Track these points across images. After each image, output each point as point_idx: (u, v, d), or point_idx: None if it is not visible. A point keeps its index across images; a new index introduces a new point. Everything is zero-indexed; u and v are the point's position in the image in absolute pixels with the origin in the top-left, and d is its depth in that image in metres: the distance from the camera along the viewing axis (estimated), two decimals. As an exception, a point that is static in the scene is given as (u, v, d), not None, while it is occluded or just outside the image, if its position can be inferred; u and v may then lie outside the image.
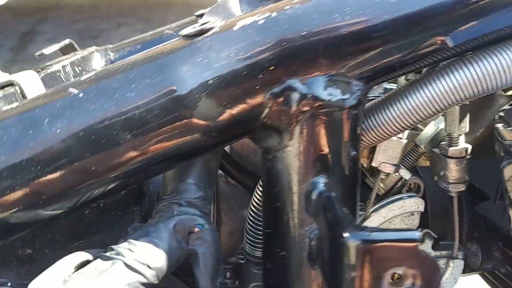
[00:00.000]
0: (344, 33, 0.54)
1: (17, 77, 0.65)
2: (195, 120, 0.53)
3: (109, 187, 0.55)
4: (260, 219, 0.76)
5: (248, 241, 0.80)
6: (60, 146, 0.50)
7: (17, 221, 0.52)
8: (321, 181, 0.59)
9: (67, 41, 0.93)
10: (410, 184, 0.83)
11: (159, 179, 0.69)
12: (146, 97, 0.51)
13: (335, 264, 0.53)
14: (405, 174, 0.79)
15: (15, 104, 0.55)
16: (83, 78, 0.54)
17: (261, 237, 0.78)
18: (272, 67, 0.54)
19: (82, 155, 0.50)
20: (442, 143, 0.76)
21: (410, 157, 0.80)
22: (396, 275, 0.51)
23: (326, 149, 0.59)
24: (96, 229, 0.64)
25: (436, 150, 0.77)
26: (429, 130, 0.79)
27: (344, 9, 0.54)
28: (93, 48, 0.93)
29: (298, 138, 0.58)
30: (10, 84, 0.63)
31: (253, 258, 0.81)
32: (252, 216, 0.77)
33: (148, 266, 0.56)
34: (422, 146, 0.79)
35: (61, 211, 0.55)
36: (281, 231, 0.63)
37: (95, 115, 0.51)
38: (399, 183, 0.80)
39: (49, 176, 0.50)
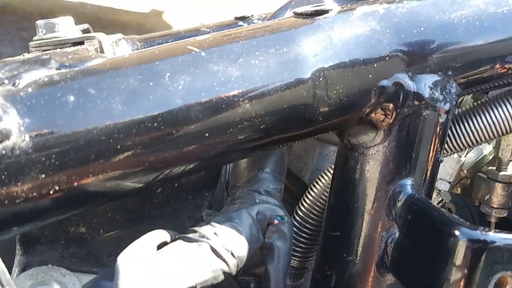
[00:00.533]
0: (460, 35, 0.55)
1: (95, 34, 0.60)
2: (308, 99, 0.51)
3: (204, 161, 0.51)
4: (306, 225, 0.74)
5: (286, 249, 0.76)
6: (181, 103, 0.45)
7: (98, 190, 0.46)
8: (409, 183, 0.58)
9: (85, 25, 0.88)
10: (445, 208, 0.84)
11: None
12: (270, 66, 0.49)
13: (433, 267, 0.51)
14: (446, 196, 0.80)
15: (127, 54, 0.50)
16: (199, 38, 0.50)
17: (302, 246, 0.75)
18: (388, 57, 0.54)
19: (199, 118, 0.46)
20: (490, 167, 0.78)
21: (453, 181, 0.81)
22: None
23: (417, 151, 0.58)
24: (160, 212, 0.58)
25: (482, 174, 0.78)
26: (472, 155, 0.80)
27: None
28: (120, 35, 0.88)
29: (393, 136, 0.57)
30: (91, 38, 0.58)
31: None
32: (297, 222, 0.74)
33: (232, 254, 0.52)
34: (465, 171, 0.80)
35: (140, 185, 0.49)
36: (352, 235, 0.61)
37: (219, 77, 0.47)
38: (439, 205, 0.81)
39: (161, 134, 0.45)
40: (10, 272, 0.54)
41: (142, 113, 0.45)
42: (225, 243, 0.52)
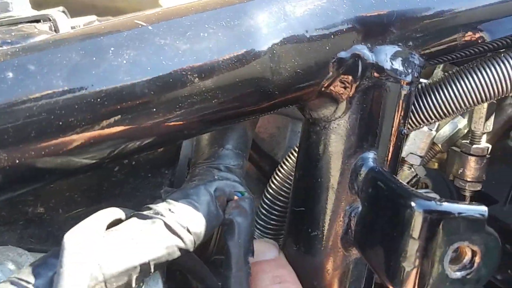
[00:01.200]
0: (420, 4, 0.54)
1: (49, 12, 0.59)
2: (263, 72, 0.50)
3: (156, 138, 0.50)
4: (277, 203, 0.73)
5: (258, 226, 0.76)
6: (125, 78, 0.44)
7: (50, 166, 0.46)
8: (371, 156, 0.58)
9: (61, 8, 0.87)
10: (420, 184, 0.83)
11: (188, 144, 0.65)
12: (220, 40, 0.48)
13: (392, 238, 0.50)
14: (421, 171, 0.79)
15: (73, 30, 0.49)
16: (147, 12, 0.49)
17: (273, 224, 0.75)
18: (345, 29, 0.52)
19: (145, 93, 0.45)
20: (463, 141, 0.77)
21: (426, 155, 0.80)
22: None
23: (379, 124, 0.57)
24: (119, 191, 0.58)
25: (456, 148, 0.77)
26: (447, 129, 0.79)
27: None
28: (94, 17, 0.87)
29: (354, 109, 0.56)
30: (45, 18, 0.57)
31: (261, 246, 0.77)
32: (268, 199, 0.74)
33: (188, 230, 0.51)
34: (439, 145, 0.79)
35: (96, 160, 0.49)
36: (316, 210, 0.60)
37: (165, 51, 0.46)
38: (413, 180, 0.80)
39: (106, 110, 0.44)
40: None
41: (84, 89, 0.44)
42: (180, 219, 0.51)
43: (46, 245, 0.56)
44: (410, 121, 0.66)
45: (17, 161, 0.43)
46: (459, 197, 0.84)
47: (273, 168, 0.75)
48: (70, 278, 0.41)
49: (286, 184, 0.72)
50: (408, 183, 0.80)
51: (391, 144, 0.59)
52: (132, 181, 0.58)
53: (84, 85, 0.44)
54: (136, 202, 0.58)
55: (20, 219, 0.56)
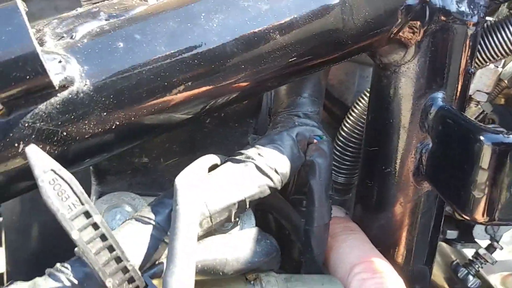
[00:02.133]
0: None
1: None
2: (336, 24, 0.55)
3: (244, 91, 0.56)
4: (350, 145, 0.79)
5: (333, 167, 0.82)
6: (216, 40, 0.51)
7: (153, 123, 0.53)
8: (440, 96, 0.61)
9: None
10: (487, 120, 0.85)
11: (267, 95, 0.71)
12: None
13: (462, 170, 0.55)
14: (487, 107, 0.82)
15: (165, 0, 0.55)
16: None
17: (346, 164, 0.81)
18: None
19: (234, 52, 0.51)
20: (530, 76, 0.78)
21: (492, 91, 0.82)
22: None
23: (447, 65, 0.61)
24: (211, 140, 0.65)
25: (522, 83, 0.79)
26: (513, 65, 0.80)
27: None
28: None
29: (422, 52, 0.60)
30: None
31: (335, 185, 0.84)
32: (341, 142, 0.79)
33: (276, 171, 0.58)
34: (505, 81, 0.81)
35: (192, 114, 0.56)
36: (389, 148, 0.65)
37: (249, 12, 0.51)
38: (480, 117, 0.83)
39: (201, 69, 0.51)
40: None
41: (183, 52, 0.50)
42: (268, 161, 0.58)
43: (152, 190, 0.65)
44: (476, 59, 0.69)
45: (132, 119, 0.51)
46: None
47: (344, 112, 0.80)
48: (186, 213, 0.49)
49: (357, 127, 0.77)
50: (475, 119, 0.83)
51: (459, 83, 0.63)
52: (222, 131, 0.65)
53: (182, 49, 0.50)
54: (226, 150, 0.65)
55: (128, 169, 0.65)
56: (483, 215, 0.54)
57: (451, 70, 0.61)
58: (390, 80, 0.63)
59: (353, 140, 0.78)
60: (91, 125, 0.49)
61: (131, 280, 0.46)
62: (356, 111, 0.76)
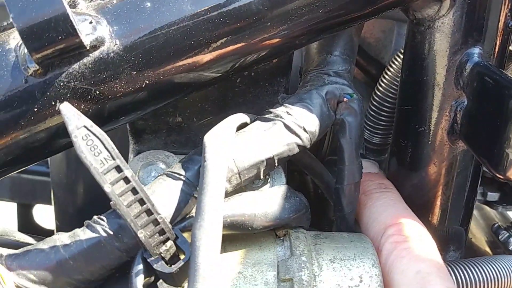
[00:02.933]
0: None
1: None
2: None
3: (271, 50, 0.56)
4: (385, 104, 0.77)
5: (368, 127, 0.81)
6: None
7: (186, 80, 0.54)
8: (476, 52, 0.59)
9: None
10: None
11: (298, 53, 0.71)
12: None
13: (497, 128, 0.54)
14: (533, 64, 0.78)
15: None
16: None
17: (382, 124, 0.80)
18: None
19: (260, 9, 0.51)
20: None
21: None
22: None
23: (484, 18, 0.58)
24: (242, 99, 0.66)
25: None
26: None
27: None
28: None
29: (457, 6, 0.58)
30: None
31: (371, 145, 0.83)
32: (376, 102, 0.78)
33: (304, 129, 0.58)
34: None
35: (221, 73, 0.56)
36: (423, 107, 0.64)
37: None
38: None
39: (228, 28, 0.51)
40: (127, 158, 0.66)
41: (209, 11, 0.51)
42: (297, 120, 0.58)
43: (186, 149, 0.67)
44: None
45: (161, 77, 0.52)
46: None
47: (380, 72, 0.79)
48: (214, 169, 0.50)
49: (393, 86, 0.76)
50: (519, 77, 0.80)
51: (498, 38, 0.60)
52: (253, 90, 0.66)
53: (208, 7, 0.51)
54: (258, 109, 0.65)
55: (163, 128, 0.67)
56: (517, 174, 0.53)
57: (489, 24, 0.59)
58: (425, 35, 0.62)
59: (389, 99, 0.76)
60: (122, 84, 0.51)
61: (161, 232, 0.49)
62: (391, 69, 0.75)
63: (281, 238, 0.59)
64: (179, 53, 0.52)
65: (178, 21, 0.51)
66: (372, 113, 0.79)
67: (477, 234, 1.05)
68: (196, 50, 0.52)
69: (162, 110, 0.65)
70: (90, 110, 0.52)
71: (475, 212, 1.13)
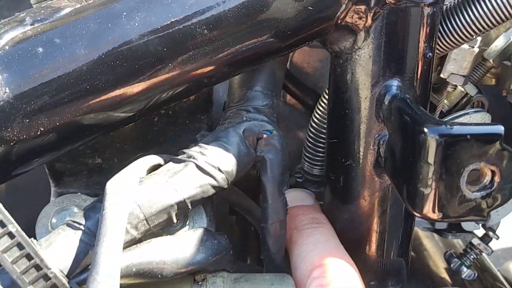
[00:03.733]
0: None
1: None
2: (272, 14, 0.52)
3: (180, 89, 0.55)
4: (321, 135, 0.76)
5: (306, 159, 0.79)
6: (138, 39, 0.49)
7: (90, 123, 0.53)
8: (395, 84, 0.58)
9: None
10: (474, 103, 0.80)
11: (225, 89, 0.69)
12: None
13: (411, 164, 0.52)
14: (471, 89, 0.77)
15: (91, 1, 0.54)
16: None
17: (320, 155, 0.78)
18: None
19: (159, 50, 0.50)
20: (514, 54, 0.73)
21: (476, 72, 0.77)
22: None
23: (402, 50, 0.57)
24: (163, 138, 0.64)
25: (507, 62, 0.73)
26: (499, 43, 0.75)
27: None
28: None
29: (373, 38, 0.56)
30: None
31: (311, 177, 0.81)
32: (312, 133, 0.76)
33: (219, 169, 0.57)
34: (490, 60, 0.75)
35: (131, 114, 0.55)
36: (347, 140, 0.62)
37: (173, 8, 0.50)
38: (464, 100, 0.78)
39: (125, 70, 0.50)
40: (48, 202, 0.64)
41: (104, 54, 0.49)
42: (210, 160, 0.56)
43: (109, 190, 0.64)
44: (441, 43, 0.64)
45: (57, 123, 0.50)
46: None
47: (316, 101, 0.77)
48: (111, 218, 0.48)
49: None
50: (458, 103, 0.78)
51: (418, 69, 0.59)
52: (173, 129, 0.64)
53: (103, 50, 0.49)
54: (180, 147, 0.63)
55: (83, 170, 0.65)
56: (433, 212, 0.51)
57: (408, 55, 0.58)
58: (344, 68, 0.60)
59: (324, 130, 0.75)
60: (15, 132, 0.49)
61: (54, 287, 0.46)
62: (324, 100, 0.73)
63: (199, 283, 0.57)
64: (75, 98, 0.50)
65: (70, 66, 0.49)
66: (310, 144, 0.77)
67: (437, 261, 1.02)
68: (94, 94, 0.50)
69: (80, 152, 0.63)
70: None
71: (435, 236, 1.11)
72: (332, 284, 0.56)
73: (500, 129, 0.48)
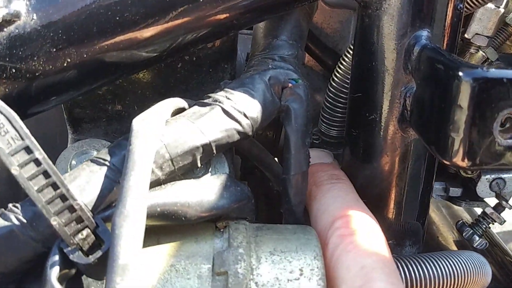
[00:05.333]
0: None
1: None
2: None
3: (205, 31, 0.53)
4: (341, 95, 0.75)
5: (324, 120, 0.79)
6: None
7: (115, 60, 0.51)
8: (424, 34, 0.57)
9: None
10: (494, 69, 0.80)
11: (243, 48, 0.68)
12: None
13: (442, 111, 0.51)
14: (492, 54, 0.76)
15: None
16: None
17: (338, 116, 0.77)
18: None
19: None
20: (537, 18, 0.72)
21: (498, 37, 0.76)
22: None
23: (432, 1, 0.56)
24: (185, 86, 0.63)
25: (530, 26, 0.73)
26: (522, 6, 0.74)
27: None
28: None
29: (404, -14, 0.56)
30: None
31: (328, 138, 0.80)
32: (332, 92, 0.75)
33: (244, 115, 0.55)
34: (512, 24, 0.75)
35: (155, 54, 0.53)
36: (373, 94, 0.62)
37: None
38: (485, 64, 0.77)
39: (156, 3, 0.49)
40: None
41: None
42: (236, 105, 0.55)
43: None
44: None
45: (86, 56, 0.49)
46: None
47: (336, 62, 0.76)
48: (138, 153, 0.47)
49: (347, 76, 0.73)
50: (478, 68, 0.77)
51: (447, 20, 0.58)
52: (196, 76, 0.63)
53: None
54: (202, 96, 0.62)
55: (103, 116, 0.63)
56: (463, 159, 0.50)
57: (438, 5, 0.57)
58: (372, 19, 0.59)
59: (344, 90, 0.74)
60: (41, 62, 0.48)
61: (79, 219, 0.45)
62: (346, 59, 0.72)
63: (221, 230, 0.56)
64: (104, 30, 0.48)
65: (101, -5, 0.48)
66: (328, 105, 0.76)
67: (444, 232, 1.02)
68: (122, 27, 0.49)
69: (100, 97, 0.62)
70: (10, 88, 0.48)
71: (443, 210, 1.11)
72: (355, 233, 0.56)
73: (537, 73, 0.47)
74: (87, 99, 0.61)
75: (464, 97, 0.48)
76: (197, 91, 0.63)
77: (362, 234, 0.56)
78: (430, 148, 0.54)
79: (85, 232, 0.45)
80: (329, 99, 0.76)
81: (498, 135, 0.49)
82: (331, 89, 0.75)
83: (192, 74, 0.62)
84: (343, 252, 0.55)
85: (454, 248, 0.98)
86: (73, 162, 0.58)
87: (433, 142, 0.53)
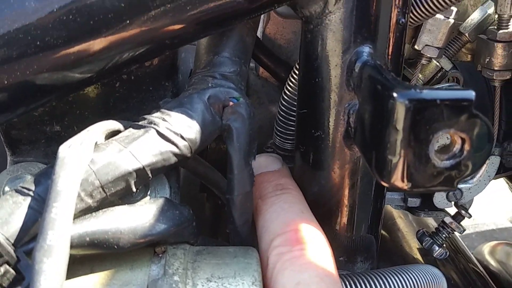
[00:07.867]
0: None
1: None
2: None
3: (141, 49, 0.52)
4: (293, 108, 0.73)
5: (278, 133, 0.77)
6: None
7: (45, 83, 0.49)
8: (366, 50, 0.56)
9: None
10: (449, 78, 0.79)
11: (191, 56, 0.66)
12: None
13: (379, 131, 0.50)
14: (446, 64, 0.75)
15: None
16: None
17: (291, 129, 0.76)
18: None
19: (116, 5, 0.47)
20: (490, 27, 0.71)
21: (452, 46, 0.75)
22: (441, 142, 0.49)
23: (373, 15, 0.55)
24: (125, 106, 0.61)
25: (483, 36, 0.72)
26: (475, 16, 0.73)
27: None
28: None
29: (345, 1, 0.54)
30: None
31: (282, 152, 0.79)
32: (284, 106, 0.74)
33: (181, 137, 0.54)
34: (466, 34, 0.74)
35: (89, 75, 0.52)
36: (317, 110, 0.60)
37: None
38: (439, 75, 0.76)
39: (79, 27, 0.47)
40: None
41: (56, 8, 0.46)
42: (173, 127, 0.54)
43: (68, 159, 0.61)
44: (415, 11, 0.62)
45: (6, 81, 0.47)
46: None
47: (288, 73, 0.75)
48: (62, 183, 0.45)
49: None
50: (433, 77, 0.77)
51: (390, 36, 0.57)
52: (136, 95, 0.61)
53: (53, 3, 0.46)
54: (144, 115, 0.61)
55: (41, 138, 0.61)
56: (402, 181, 0.49)
57: (379, 21, 0.55)
58: (315, 34, 0.58)
59: (295, 103, 0.72)
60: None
61: (-3, 254, 0.44)
62: (296, 71, 0.71)
63: (160, 255, 0.55)
64: (25, 54, 0.47)
65: (20, 19, 0.46)
66: (281, 118, 0.75)
67: (409, 240, 1.01)
68: (45, 51, 0.47)
69: (37, 118, 0.60)
70: None
71: (409, 216, 1.10)
72: (294, 250, 0.54)
73: (471, 94, 0.46)
74: (23, 120, 0.60)
75: (399, 118, 0.47)
76: (137, 110, 0.62)
77: (301, 248, 0.54)
78: (370, 168, 0.53)
79: (2, 268, 0.43)
80: (282, 113, 0.74)
81: (434, 157, 0.48)
82: (283, 102, 0.74)
83: (132, 93, 0.61)
84: (280, 271, 0.53)
85: (418, 255, 0.97)
86: (6, 188, 0.56)
87: (372, 162, 0.52)
